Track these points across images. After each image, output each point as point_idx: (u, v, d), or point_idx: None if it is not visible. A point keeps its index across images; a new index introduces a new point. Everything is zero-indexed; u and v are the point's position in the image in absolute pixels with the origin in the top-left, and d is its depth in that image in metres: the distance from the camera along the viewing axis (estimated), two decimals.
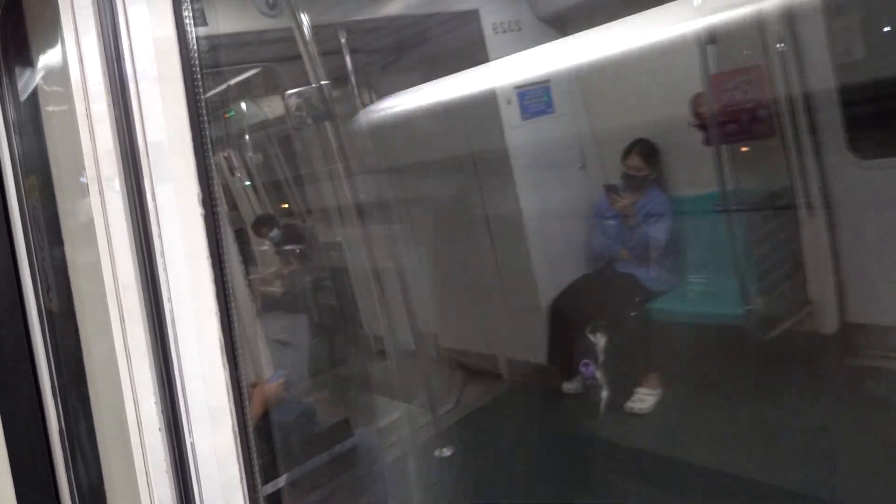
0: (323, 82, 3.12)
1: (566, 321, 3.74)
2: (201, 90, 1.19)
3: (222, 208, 1.19)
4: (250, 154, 5.45)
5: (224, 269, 1.17)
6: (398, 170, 4.01)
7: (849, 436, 2.66)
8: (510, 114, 3.76)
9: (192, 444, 1.21)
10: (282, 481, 2.50)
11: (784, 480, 2.55)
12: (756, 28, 3.04)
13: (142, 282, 1.19)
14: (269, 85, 4.56)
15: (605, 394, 3.46)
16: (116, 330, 1.28)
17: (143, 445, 1.27)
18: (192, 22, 1.19)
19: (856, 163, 2.95)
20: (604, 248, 3.87)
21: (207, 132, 1.19)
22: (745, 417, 2.95)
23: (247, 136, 5.24)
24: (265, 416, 2.45)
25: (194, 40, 1.19)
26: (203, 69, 1.21)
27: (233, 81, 4.26)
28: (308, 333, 4.32)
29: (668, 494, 2.80)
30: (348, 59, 3.63)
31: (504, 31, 3.76)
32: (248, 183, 5.51)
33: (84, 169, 1.30)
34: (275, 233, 5.11)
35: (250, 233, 5.21)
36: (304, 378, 3.87)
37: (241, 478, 1.22)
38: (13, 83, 1.87)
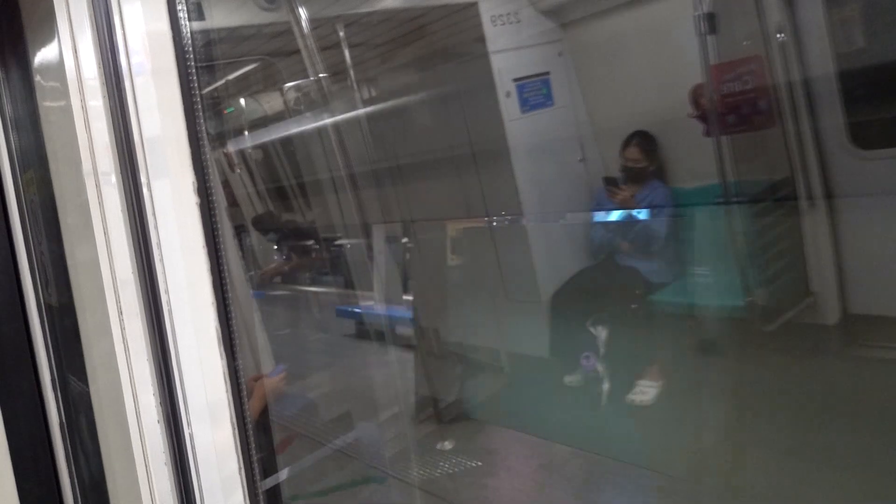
0: (321, 76, 3.11)
1: (567, 314, 3.73)
2: (196, 84, 1.20)
3: (219, 199, 1.19)
4: (249, 150, 5.43)
5: (221, 258, 1.17)
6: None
7: None
8: (509, 107, 3.74)
9: (191, 436, 1.21)
10: (282, 475, 2.50)
11: None
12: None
13: (139, 274, 1.19)
14: (268, 80, 4.54)
15: (606, 386, 3.46)
16: (115, 323, 1.29)
17: (142, 438, 1.28)
18: (186, 16, 1.19)
19: None
20: (604, 241, 3.86)
21: (203, 126, 1.19)
22: None
23: (246, 132, 5.23)
24: (265, 410, 2.44)
25: (188, 34, 1.19)
26: (198, 63, 1.21)
27: (232, 76, 4.24)
28: None
29: None
30: (347, 54, 3.62)
31: (503, 24, 3.74)
32: (247, 178, 5.50)
33: (81, 163, 1.30)
34: (274, 230, 5.11)
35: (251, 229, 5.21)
36: None
37: (241, 470, 1.23)
38: (10, 79, 1.87)
